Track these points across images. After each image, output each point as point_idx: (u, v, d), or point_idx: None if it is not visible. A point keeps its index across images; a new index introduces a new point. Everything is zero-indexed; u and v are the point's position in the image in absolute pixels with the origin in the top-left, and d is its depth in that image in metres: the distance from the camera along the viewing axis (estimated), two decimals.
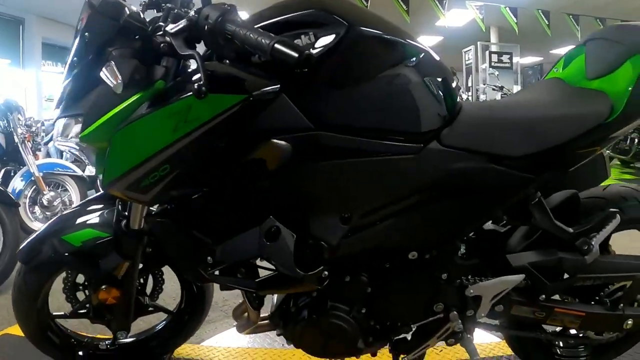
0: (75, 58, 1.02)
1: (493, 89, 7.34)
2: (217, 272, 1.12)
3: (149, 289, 1.54)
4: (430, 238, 1.12)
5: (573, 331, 1.36)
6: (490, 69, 8.70)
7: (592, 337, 1.35)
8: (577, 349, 1.47)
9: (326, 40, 0.93)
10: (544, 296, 1.22)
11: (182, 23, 0.92)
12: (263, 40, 0.79)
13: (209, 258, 1.06)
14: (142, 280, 1.49)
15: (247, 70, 0.94)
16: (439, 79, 1.06)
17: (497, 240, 1.26)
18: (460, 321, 1.18)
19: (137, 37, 0.99)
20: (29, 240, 1.33)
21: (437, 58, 1.08)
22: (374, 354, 1.31)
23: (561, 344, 1.47)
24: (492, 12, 8.13)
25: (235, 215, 1.05)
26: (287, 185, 1.00)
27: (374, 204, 1.04)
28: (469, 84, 8.93)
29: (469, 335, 1.22)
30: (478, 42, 10.69)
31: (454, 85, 1.13)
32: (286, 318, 1.19)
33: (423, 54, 1.03)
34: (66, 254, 1.28)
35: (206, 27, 0.87)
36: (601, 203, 1.27)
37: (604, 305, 1.29)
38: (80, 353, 1.50)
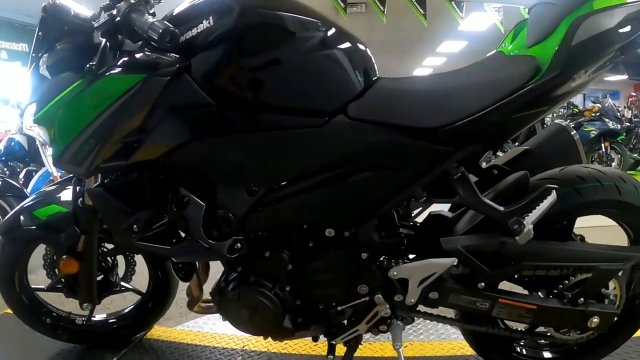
0: (33, 54, 1.17)
1: None
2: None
3: (122, 271, 1.64)
4: (345, 215, 1.11)
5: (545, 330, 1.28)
6: None
7: (557, 337, 1.25)
8: (541, 350, 1.38)
9: (223, 22, 1.00)
10: (483, 284, 1.16)
11: (104, 17, 1.06)
12: (145, 25, 0.93)
13: (134, 227, 1.13)
14: (111, 260, 1.59)
15: (152, 53, 1.04)
16: (348, 54, 1.07)
17: (445, 225, 1.23)
18: (387, 306, 1.16)
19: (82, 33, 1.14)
20: (9, 215, 1.48)
21: (348, 33, 1.09)
22: (315, 339, 1.32)
23: (522, 343, 1.38)
24: (512, 15, 7.81)
25: (151, 187, 1.12)
26: (193, 158, 1.07)
27: (281, 178, 1.07)
28: None
29: (399, 322, 1.19)
30: None
31: (369, 58, 1.13)
32: (220, 294, 1.23)
33: (328, 30, 1.06)
34: (34, 227, 1.41)
35: (117, 19, 1.02)
36: (553, 184, 1.16)
37: (561, 299, 1.19)
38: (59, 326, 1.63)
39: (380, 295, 1.14)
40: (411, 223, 1.27)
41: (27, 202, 1.47)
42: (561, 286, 1.19)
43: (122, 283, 1.64)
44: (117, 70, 1.03)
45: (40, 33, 1.15)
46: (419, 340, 1.70)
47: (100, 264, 1.57)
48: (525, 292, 1.26)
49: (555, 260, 1.15)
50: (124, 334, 1.71)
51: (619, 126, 5.64)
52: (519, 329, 1.30)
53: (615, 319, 1.20)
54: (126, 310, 1.71)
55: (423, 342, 1.69)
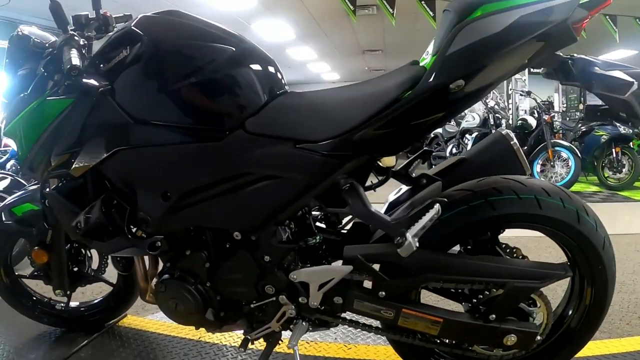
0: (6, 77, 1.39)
1: (520, 95, 6.88)
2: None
3: (96, 264, 1.84)
4: (246, 221, 1.19)
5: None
6: (517, 75, 8.15)
7: (479, 351, 1.24)
8: None
9: (134, 51, 1.16)
10: (383, 293, 1.17)
11: (49, 49, 1.26)
12: (64, 59, 1.13)
13: (78, 224, 1.30)
14: (83, 252, 1.79)
15: (83, 80, 1.19)
16: (247, 74, 1.17)
17: (367, 232, 1.27)
18: (292, 306, 1.23)
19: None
20: None
21: (252, 53, 1.21)
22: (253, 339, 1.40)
23: (442, 355, 1.36)
24: None
25: (93, 191, 1.29)
26: (118, 167, 1.22)
27: (190, 186, 1.19)
28: (511, 92, 8.38)
29: (303, 323, 1.25)
30: None
31: (271, 75, 1.22)
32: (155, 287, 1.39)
33: (228, 54, 1.17)
34: (11, 222, 1.62)
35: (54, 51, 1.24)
36: (466, 196, 1.16)
37: (473, 314, 1.18)
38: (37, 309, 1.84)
39: (284, 296, 1.22)
40: (338, 229, 1.35)
41: (8, 200, 1.69)
42: (475, 301, 1.18)
43: (96, 275, 1.83)
44: (55, 94, 1.23)
45: (6, 60, 1.36)
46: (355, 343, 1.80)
47: (75, 257, 1.77)
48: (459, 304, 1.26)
49: (462, 274, 1.14)
50: (97, 320, 1.91)
51: (630, 131, 5.40)
52: (436, 340, 1.26)
53: (538, 338, 1.20)
54: (99, 300, 1.91)
55: (359, 344, 1.78)
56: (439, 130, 7.19)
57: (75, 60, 1.10)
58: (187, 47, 1.16)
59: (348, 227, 1.35)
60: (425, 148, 1.64)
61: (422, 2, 6.34)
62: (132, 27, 1.16)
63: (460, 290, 1.24)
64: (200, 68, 1.14)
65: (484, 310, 1.16)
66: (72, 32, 1.22)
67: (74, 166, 1.24)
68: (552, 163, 5.37)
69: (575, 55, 1.16)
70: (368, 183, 1.29)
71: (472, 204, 1.14)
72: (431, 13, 6.43)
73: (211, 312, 1.31)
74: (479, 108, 6.50)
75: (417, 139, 1.17)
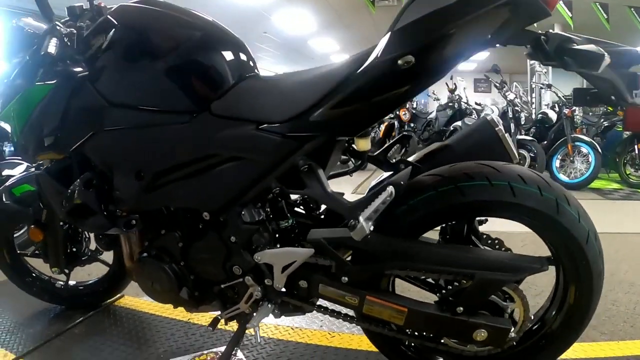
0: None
1: (541, 87, 6.67)
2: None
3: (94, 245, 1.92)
4: (214, 201, 1.22)
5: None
6: (539, 67, 7.85)
7: (451, 346, 1.20)
8: (433, 355, 1.31)
9: (109, 38, 1.22)
10: (346, 278, 1.17)
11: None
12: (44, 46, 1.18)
13: (63, 203, 1.37)
14: (80, 233, 1.87)
15: (64, 65, 1.25)
16: (213, 58, 1.21)
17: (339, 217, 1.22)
18: (259, 288, 1.25)
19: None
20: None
21: (221, 37, 1.24)
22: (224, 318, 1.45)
23: (415, 347, 1.33)
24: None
25: (79, 171, 1.35)
26: (96, 148, 1.28)
27: (161, 166, 1.23)
28: (533, 86, 8.14)
29: (269, 305, 1.27)
30: None
31: (239, 59, 1.26)
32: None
33: (195, 39, 1.21)
34: (10, 202, 1.71)
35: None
36: (436, 181, 1.12)
37: (439, 306, 1.15)
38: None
39: (250, 278, 1.24)
40: (317, 214, 1.36)
41: (9, 182, 1.77)
42: (444, 292, 1.15)
43: (93, 255, 1.91)
44: (40, 80, 1.29)
45: (4, 49, 1.43)
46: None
47: (73, 238, 1.85)
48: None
49: (427, 263, 1.11)
50: (94, 299, 1.99)
51: None
52: (405, 331, 1.23)
53: (513, 335, 1.15)
54: (96, 280, 1.99)
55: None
56: (458, 123, 7.08)
57: (51, 48, 1.15)
58: (156, 33, 1.21)
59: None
60: (404, 133, 1.64)
61: None
62: (108, 16, 1.21)
63: (435, 282, 1.20)
64: (167, 53, 1.19)
65: (451, 302, 1.13)
66: (55, 22, 1.27)
67: (58, 149, 1.30)
68: (571, 158, 5.24)
69: (550, 31, 1.06)
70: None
71: (441, 190, 1.09)
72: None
73: (186, 291, 1.35)
74: (498, 101, 6.38)
75: (375, 118, 1.13)
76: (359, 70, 1.04)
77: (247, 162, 1.16)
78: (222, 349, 1.57)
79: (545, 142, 5.55)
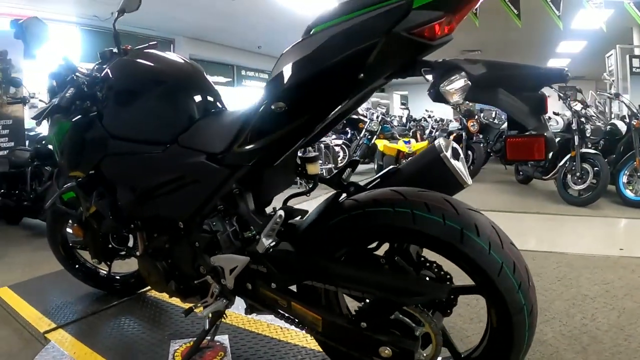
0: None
1: (608, 97, 6.09)
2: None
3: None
4: (182, 213, 1.46)
5: None
6: (605, 75, 7.08)
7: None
8: None
9: (107, 86, 1.58)
10: (274, 285, 1.31)
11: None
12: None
13: (86, 209, 1.75)
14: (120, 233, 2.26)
15: (83, 106, 1.63)
16: (182, 99, 1.49)
17: None
18: (217, 286, 1.45)
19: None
20: (53, 196, 2.24)
21: (193, 81, 1.54)
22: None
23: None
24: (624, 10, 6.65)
25: (92, 184, 1.72)
26: (104, 169, 1.63)
27: (147, 184, 1.52)
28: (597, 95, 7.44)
29: (224, 301, 1.47)
30: (617, 46, 8.81)
31: (206, 99, 1.52)
32: None
33: (170, 83, 1.50)
34: (60, 205, 2.15)
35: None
36: (351, 205, 1.20)
37: (348, 318, 1.24)
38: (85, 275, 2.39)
39: (209, 277, 1.47)
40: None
41: (62, 189, 2.21)
42: (358, 307, 1.25)
43: (129, 252, 2.29)
44: (65, 117, 1.69)
45: (52, 81, 1.83)
46: None
47: (113, 236, 2.25)
48: None
49: (331, 279, 1.22)
50: (126, 288, 2.40)
51: None
52: (323, 338, 1.31)
53: (422, 357, 1.21)
54: (132, 272, 2.39)
55: None
56: None
57: (62, 100, 1.56)
58: (138, 82, 1.55)
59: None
60: (353, 158, 1.80)
61: (506, 0, 6.15)
62: (107, 68, 1.56)
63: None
64: (146, 96, 1.51)
65: (355, 317, 1.23)
66: (76, 74, 1.65)
67: (82, 169, 1.69)
68: (639, 174, 4.90)
69: (445, 59, 1.04)
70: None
71: (352, 214, 1.19)
72: (515, 11, 6.20)
73: (173, 284, 1.65)
74: (564, 112, 6.09)
75: (282, 151, 1.23)
76: (252, 114, 1.22)
77: (200, 184, 1.39)
78: (221, 337, 1.90)
79: (614, 155, 5.22)
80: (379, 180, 1.41)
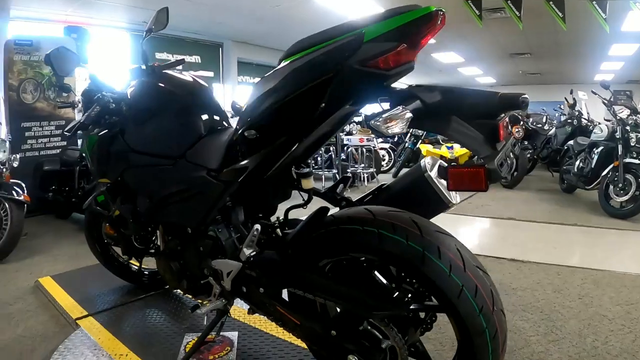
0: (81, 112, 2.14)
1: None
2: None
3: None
4: (189, 220, 1.60)
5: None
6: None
7: None
8: None
9: (126, 104, 1.79)
10: (262, 289, 1.41)
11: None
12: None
13: (111, 213, 1.96)
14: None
15: (108, 122, 1.85)
16: (190, 118, 1.65)
17: None
18: (218, 287, 1.59)
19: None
20: (90, 198, 2.49)
21: (198, 102, 1.71)
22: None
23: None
24: None
25: (118, 190, 1.92)
26: (125, 179, 1.82)
27: (160, 193, 1.69)
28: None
29: (223, 300, 1.62)
30: None
31: (212, 117, 1.69)
32: None
33: (178, 104, 1.68)
34: (95, 206, 2.39)
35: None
36: (330, 221, 1.27)
37: (322, 325, 1.30)
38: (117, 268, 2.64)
39: (211, 278, 1.61)
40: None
41: (97, 192, 2.45)
42: (333, 315, 1.36)
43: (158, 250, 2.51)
44: (92, 131, 1.90)
45: (82, 97, 2.07)
46: None
47: (142, 235, 2.47)
48: None
49: (304, 288, 1.31)
50: (153, 283, 2.62)
51: None
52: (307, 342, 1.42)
53: None
54: (154, 269, 2.58)
55: None
56: (571, 142, 6.62)
57: (86, 118, 1.79)
58: (152, 101, 1.73)
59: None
60: (345, 175, 1.88)
61: (550, 2, 5.96)
62: (128, 88, 1.75)
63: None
64: (159, 116, 1.69)
65: (328, 324, 1.30)
66: (103, 92, 1.87)
67: (107, 178, 1.89)
68: None
69: (409, 86, 1.06)
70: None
71: (329, 229, 1.25)
72: (560, 14, 5.99)
73: (185, 282, 1.82)
74: (609, 120, 5.84)
75: (266, 170, 1.31)
76: (232, 138, 1.37)
77: (203, 196, 1.53)
78: (230, 333, 2.06)
79: None
80: (370, 196, 1.48)
